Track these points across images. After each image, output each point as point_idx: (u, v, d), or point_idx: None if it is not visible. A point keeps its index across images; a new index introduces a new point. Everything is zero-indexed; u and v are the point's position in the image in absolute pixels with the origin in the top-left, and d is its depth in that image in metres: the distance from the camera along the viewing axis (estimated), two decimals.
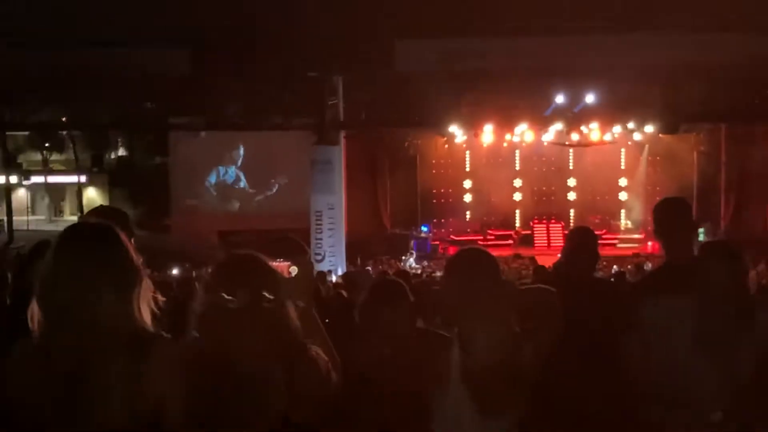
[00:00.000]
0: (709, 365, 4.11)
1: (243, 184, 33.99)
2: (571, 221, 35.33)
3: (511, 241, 34.16)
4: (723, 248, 4.34)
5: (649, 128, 28.56)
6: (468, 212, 36.34)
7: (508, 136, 31.64)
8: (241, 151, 33.76)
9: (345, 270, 24.22)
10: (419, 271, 24.92)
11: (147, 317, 2.83)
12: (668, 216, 4.69)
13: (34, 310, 2.76)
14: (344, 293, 9.93)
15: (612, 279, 13.34)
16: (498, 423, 3.47)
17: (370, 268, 25.86)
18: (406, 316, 3.76)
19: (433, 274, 21.84)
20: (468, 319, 3.50)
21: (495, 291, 3.49)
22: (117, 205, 30.02)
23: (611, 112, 27.42)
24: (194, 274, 19.24)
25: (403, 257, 29.28)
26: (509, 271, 23.28)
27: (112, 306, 2.74)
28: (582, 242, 5.08)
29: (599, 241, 5.31)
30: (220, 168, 33.80)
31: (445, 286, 3.68)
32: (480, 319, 3.45)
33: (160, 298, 2.93)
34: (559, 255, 5.56)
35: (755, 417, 4.08)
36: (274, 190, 33.80)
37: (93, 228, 2.87)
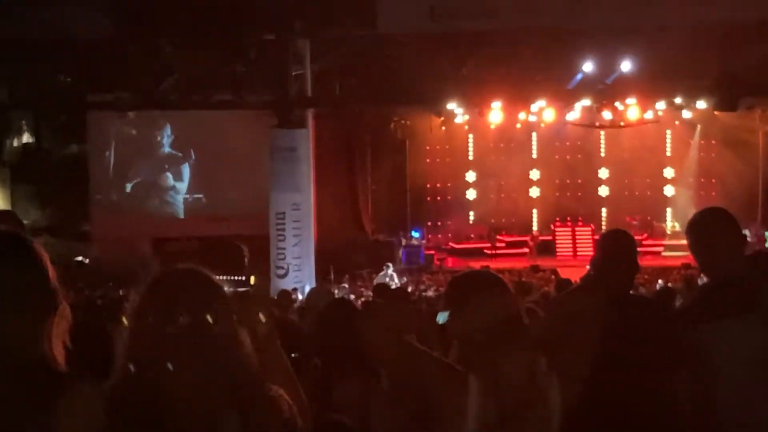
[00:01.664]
0: None
1: (184, 178, 33.91)
2: (603, 223, 35.44)
3: (526, 250, 34.22)
4: None
5: (702, 104, 28.70)
6: (471, 213, 36.40)
7: (522, 115, 31.70)
8: (179, 139, 33.68)
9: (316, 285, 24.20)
10: (409, 289, 24.93)
11: (60, 353, 2.81)
12: (709, 231, 4.71)
13: None
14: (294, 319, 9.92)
15: (656, 298, 13.36)
16: None
17: (346, 285, 25.85)
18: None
19: (425, 293, 21.83)
20: (484, 357, 3.54)
21: (514, 321, 3.58)
22: (20, 206, 29.97)
23: (653, 83, 27.51)
24: (121, 293, 19.15)
25: (381, 270, 29.11)
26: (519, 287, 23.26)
27: (14, 338, 2.72)
28: (617, 250, 5.08)
29: (639, 249, 5.32)
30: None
31: (456, 318, 3.75)
32: (498, 355, 3.49)
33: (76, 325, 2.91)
34: (587, 267, 5.57)
35: None
36: (224, 187, 33.70)
37: None
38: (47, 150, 35.12)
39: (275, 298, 13.90)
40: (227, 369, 2.88)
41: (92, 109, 31.85)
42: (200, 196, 33.83)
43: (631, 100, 28.76)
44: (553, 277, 25.71)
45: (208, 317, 2.88)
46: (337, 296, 15.68)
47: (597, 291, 4.97)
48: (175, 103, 29.26)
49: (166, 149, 33.79)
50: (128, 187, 33.45)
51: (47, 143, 35.50)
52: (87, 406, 2.73)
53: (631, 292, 5.33)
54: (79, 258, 28.26)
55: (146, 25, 25.20)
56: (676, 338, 4.53)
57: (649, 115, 30.59)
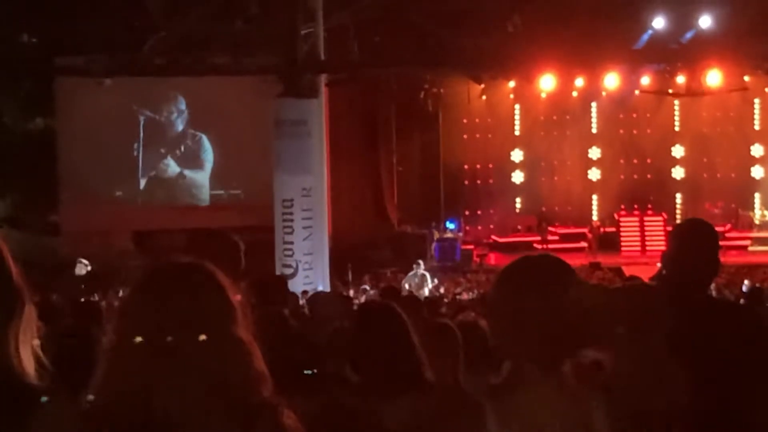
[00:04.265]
0: None
1: (169, 159, 33.99)
2: (678, 212, 35.35)
3: (585, 244, 34.17)
4: None
5: None
6: (518, 200, 36.38)
7: (579, 82, 31.62)
8: (171, 109, 33.75)
9: (329, 290, 24.23)
10: (440, 291, 24.94)
11: (29, 363, 2.84)
12: None
13: None
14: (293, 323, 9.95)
15: (742, 301, 13.34)
16: None
17: (366, 286, 25.87)
18: None
19: (459, 296, 21.83)
20: (525, 355, 3.55)
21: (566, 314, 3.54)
22: None
23: (738, 43, 27.38)
24: (96, 296, 19.28)
25: (413, 268, 29.09)
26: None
27: None
28: (695, 244, 5.08)
29: (721, 243, 5.31)
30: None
31: (496, 306, 3.74)
32: (542, 356, 3.50)
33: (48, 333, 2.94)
34: (658, 264, 5.56)
35: None
36: (218, 170, 33.77)
37: None
38: (8, 125, 35.26)
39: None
40: (229, 387, 2.90)
41: (61, 76, 31.93)
42: (192, 180, 33.89)
43: (712, 63, 28.61)
44: (615, 276, 25.69)
45: (210, 324, 2.90)
46: (357, 302, 15.75)
47: (668, 293, 4.97)
48: (160, 68, 29.31)
49: (156, 126, 33.86)
50: (105, 170, 33.45)
51: (7, 117, 35.62)
52: (61, 424, 2.76)
53: (710, 294, 5.32)
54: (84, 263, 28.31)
55: None
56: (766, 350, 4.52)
57: (733, 81, 30.44)
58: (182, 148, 33.91)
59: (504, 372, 3.64)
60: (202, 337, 2.88)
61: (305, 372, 4.57)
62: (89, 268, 27.94)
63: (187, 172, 33.90)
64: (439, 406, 4.41)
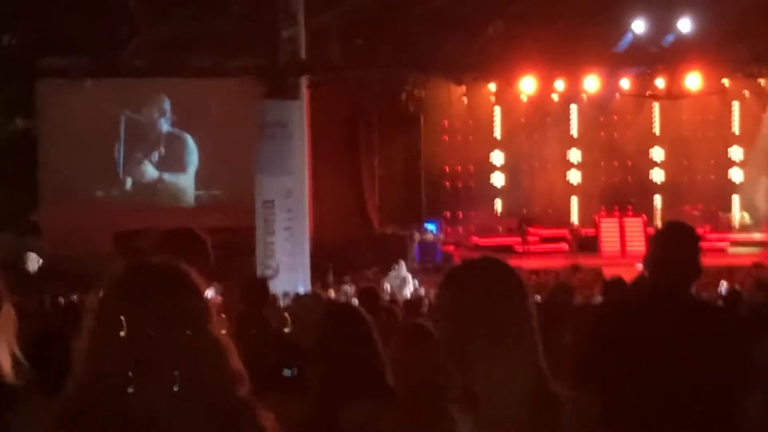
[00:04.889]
0: None
1: (152, 160, 33.92)
2: (658, 214, 35.40)
3: (565, 246, 34.25)
4: None
5: None
6: (498, 201, 36.38)
7: (559, 85, 31.66)
8: (154, 110, 33.67)
9: (310, 290, 24.22)
10: (421, 292, 24.94)
11: (6, 363, 2.83)
12: None
13: None
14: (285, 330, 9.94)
15: (721, 302, 13.37)
16: None
17: (348, 287, 25.86)
18: None
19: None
20: (475, 371, 3.48)
21: (520, 323, 3.46)
22: None
23: (718, 46, 27.46)
24: (75, 297, 19.19)
25: (392, 270, 29.15)
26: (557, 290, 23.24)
27: None
28: (676, 246, 5.09)
29: (701, 245, 5.31)
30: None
31: (440, 316, 3.65)
32: (495, 369, 3.43)
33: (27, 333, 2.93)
34: (638, 266, 5.57)
35: None
36: (200, 171, 33.72)
37: None
38: None
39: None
40: (206, 385, 2.89)
41: (42, 77, 31.85)
42: (174, 181, 33.85)
43: (691, 67, 28.69)
44: (595, 278, 25.72)
45: (186, 324, 2.89)
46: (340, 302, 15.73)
47: (650, 297, 4.97)
48: (141, 69, 29.25)
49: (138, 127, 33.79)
50: (85, 170, 33.35)
51: None
52: (38, 423, 2.75)
53: (692, 295, 5.32)
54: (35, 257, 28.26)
55: None
56: (745, 352, 4.52)
57: (712, 84, 30.52)
58: (162, 151, 33.82)
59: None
60: (185, 333, 2.87)
61: (285, 373, 4.54)
62: (40, 262, 27.90)
63: (166, 176, 33.81)
64: (402, 411, 4.37)
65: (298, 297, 16.89)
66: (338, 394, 4.54)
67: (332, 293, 23.70)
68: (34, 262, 27.90)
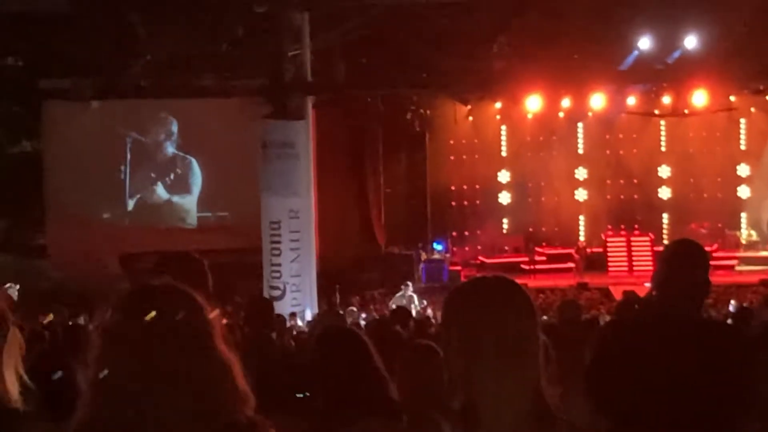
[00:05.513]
0: None
1: (159, 185, 33.94)
2: (665, 232, 35.36)
3: (572, 265, 34.16)
4: None
5: None
6: (505, 221, 36.37)
7: (565, 103, 31.66)
8: (160, 131, 33.70)
9: (317, 311, 24.18)
10: (428, 312, 24.89)
11: (14, 388, 2.82)
12: None
13: None
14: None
15: (730, 321, 13.32)
16: None
17: (354, 308, 25.82)
18: None
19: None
20: (478, 389, 3.46)
21: (527, 341, 3.45)
22: None
23: (724, 63, 27.46)
24: (83, 319, 19.17)
25: (401, 290, 29.06)
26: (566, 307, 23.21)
27: None
28: (685, 265, 5.06)
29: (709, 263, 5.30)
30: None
31: (446, 332, 3.64)
32: (499, 388, 3.42)
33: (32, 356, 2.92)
34: (646, 285, 5.55)
35: None
36: (206, 192, 33.73)
37: None
38: None
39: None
40: (213, 405, 2.88)
41: (48, 98, 31.91)
42: (181, 202, 33.87)
43: (698, 84, 28.68)
44: (603, 297, 25.69)
45: (193, 344, 2.88)
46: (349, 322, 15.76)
47: (659, 316, 4.95)
48: (145, 90, 29.30)
49: (142, 150, 33.82)
50: (92, 192, 33.38)
51: None
52: None
53: (701, 315, 5.30)
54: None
55: None
56: (755, 370, 4.50)
57: (718, 101, 30.51)
58: (172, 175, 33.86)
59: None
60: (192, 352, 2.86)
61: (296, 394, 4.53)
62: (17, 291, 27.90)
63: (175, 198, 33.86)
64: (409, 428, 4.38)
65: (322, 314, 16.94)
66: (343, 413, 4.52)
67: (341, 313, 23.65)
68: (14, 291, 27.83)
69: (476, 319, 3.39)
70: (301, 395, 4.02)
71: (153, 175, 33.78)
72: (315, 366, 4.69)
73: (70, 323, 17.22)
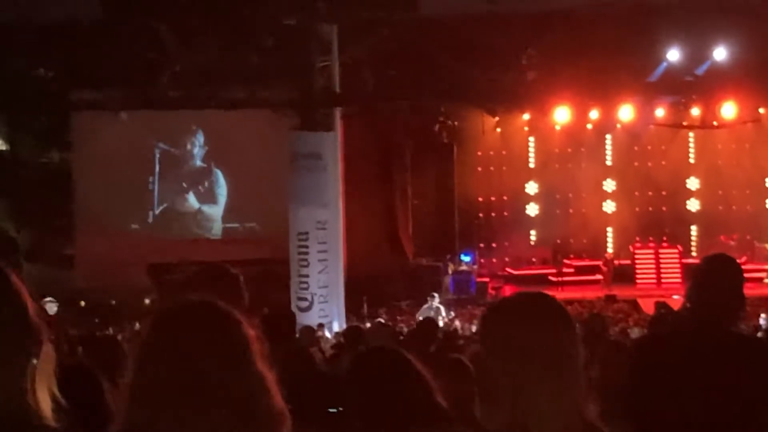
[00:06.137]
0: None
1: (190, 194, 34.04)
2: (693, 244, 35.22)
3: (600, 277, 34.05)
4: None
5: None
6: (533, 232, 36.31)
7: (594, 114, 31.61)
8: (189, 142, 33.81)
9: (344, 323, 24.18)
10: (455, 324, 24.85)
11: (46, 404, 2.80)
12: None
13: None
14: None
15: (760, 334, 13.27)
16: None
17: (382, 319, 25.81)
18: None
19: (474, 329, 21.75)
20: (526, 408, 3.46)
21: (569, 357, 3.46)
22: None
23: (753, 74, 27.36)
24: (111, 331, 19.28)
25: (428, 301, 29.00)
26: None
27: None
28: (721, 279, 5.04)
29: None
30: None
31: (489, 349, 3.63)
32: (544, 402, 3.41)
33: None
34: (674, 297, 5.52)
35: None
36: (233, 202, 33.81)
37: None
38: (24, 159, 35.32)
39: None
40: (251, 423, 2.86)
41: (77, 109, 32.05)
42: (209, 213, 33.96)
43: (726, 96, 28.59)
44: (631, 309, 25.58)
45: (231, 361, 2.87)
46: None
47: (693, 332, 4.92)
48: (176, 101, 29.39)
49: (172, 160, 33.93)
50: (121, 203, 33.49)
51: (24, 151, 35.69)
52: None
53: (736, 329, 5.26)
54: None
55: (141, 7, 25.35)
56: None
57: (747, 113, 30.40)
58: (204, 184, 33.98)
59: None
60: (230, 370, 2.84)
61: (329, 410, 4.50)
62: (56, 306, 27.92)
63: (204, 208, 33.97)
64: None
65: (376, 328, 16.92)
66: (391, 424, 4.48)
67: (367, 325, 23.64)
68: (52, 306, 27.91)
69: (521, 337, 3.41)
70: (334, 410, 3.98)
71: (185, 184, 33.91)
72: (354, 383, 4.65)
73: (97, 334, 17.31)
